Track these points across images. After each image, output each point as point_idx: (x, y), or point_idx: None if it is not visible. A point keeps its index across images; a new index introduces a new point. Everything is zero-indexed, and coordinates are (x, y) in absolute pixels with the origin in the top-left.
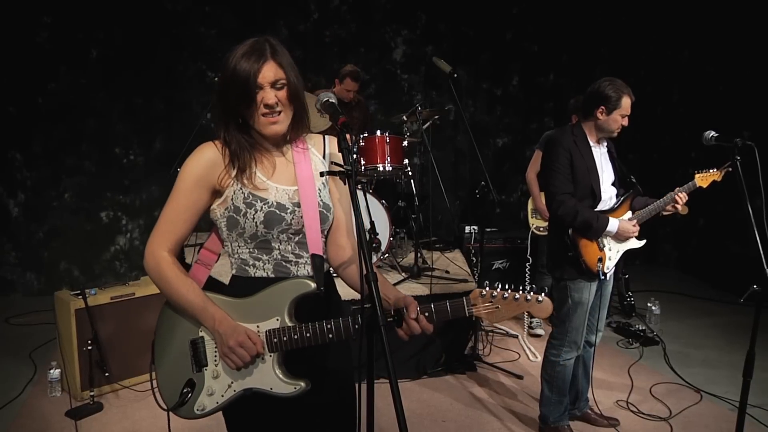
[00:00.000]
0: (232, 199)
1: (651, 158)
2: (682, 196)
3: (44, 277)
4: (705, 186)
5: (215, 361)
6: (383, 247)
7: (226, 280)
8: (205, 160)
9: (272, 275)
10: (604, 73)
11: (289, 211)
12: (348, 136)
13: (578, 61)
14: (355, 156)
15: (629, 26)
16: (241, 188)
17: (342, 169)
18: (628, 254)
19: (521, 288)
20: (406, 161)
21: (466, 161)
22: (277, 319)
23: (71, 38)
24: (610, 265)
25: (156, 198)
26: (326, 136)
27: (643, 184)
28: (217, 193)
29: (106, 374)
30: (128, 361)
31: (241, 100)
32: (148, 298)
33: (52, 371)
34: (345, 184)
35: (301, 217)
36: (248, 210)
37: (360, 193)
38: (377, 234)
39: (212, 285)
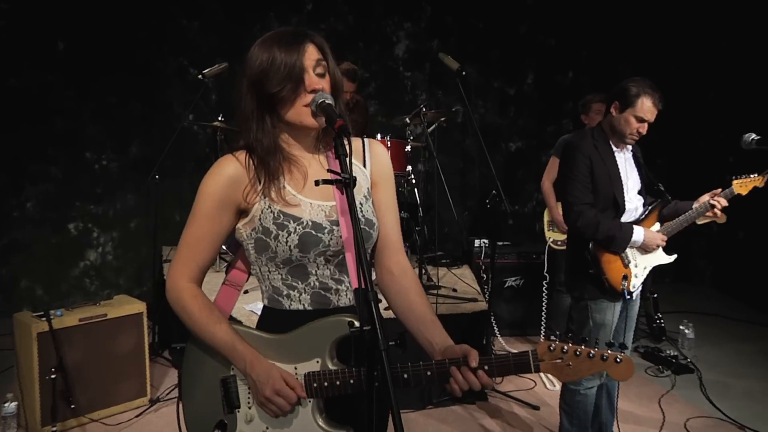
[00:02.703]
0: (260, 219)
1: (682, 163)
2: (720, 201)
3: (2, 297)
4: (744, 193)
5: (248, 403)
6: None
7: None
8: (226, 178)
9: (310, 307)
10: (628, 69)
11: (326, 230)
12: (346, 140)
13: (600, 56)
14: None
15: (657, 16)
16: (269, 206)
17: (339, 178)
18: (656, 271)
19: (596, 343)
20: (409, 168)
21: (476, 168)
22: (317, 361)
23: (34, 28)
24: (636, 283)
25: (132, 208)
26: (366, 140)
27: (673, 192)
28: (242, 212)
29: (72, 406)
30: (99, 390)
31: (285, 84)
32: (123, 320)
33: (7, 405)
34: (343, 193)
35: (340, 237)
36: (280, 232)
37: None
38: None
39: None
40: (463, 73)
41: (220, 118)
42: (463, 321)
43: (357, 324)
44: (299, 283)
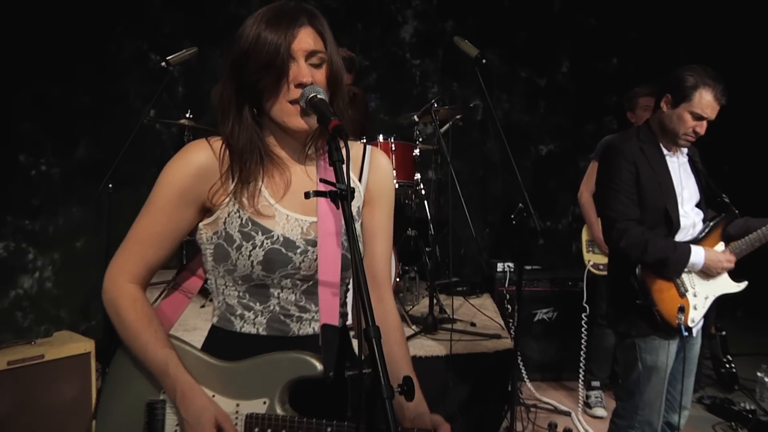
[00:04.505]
0: (224, 223)
1: (755, 171)
2: None
3: None
4: None
5: None
6: None
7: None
8: (194, 167)
9: (264, 332)
10: (687, 56)
11: (299, 250)
12: (342, 143)
13: (651, 39)
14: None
15: None
16: (238, 210)
17: (334, 189)
18: (722, 302)
19: None
20: (417, 176)
21: (498, 176)
22: (265, 402)
23: None
24: (695, 317)
25: (78, 223)
26: (368, 147)
27: (741, 206)
28: (206, 210)
29: None
30: None
31: (266, 72)
32: (64, 362)
33: None
34: (338, 208)
35: (315, 260)
36: (244, 243)
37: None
38: None
39: None
40: (483, 60)
41: (188, 115)
42: (483, 362)
43: (320, 368)
44: (257, 304)
